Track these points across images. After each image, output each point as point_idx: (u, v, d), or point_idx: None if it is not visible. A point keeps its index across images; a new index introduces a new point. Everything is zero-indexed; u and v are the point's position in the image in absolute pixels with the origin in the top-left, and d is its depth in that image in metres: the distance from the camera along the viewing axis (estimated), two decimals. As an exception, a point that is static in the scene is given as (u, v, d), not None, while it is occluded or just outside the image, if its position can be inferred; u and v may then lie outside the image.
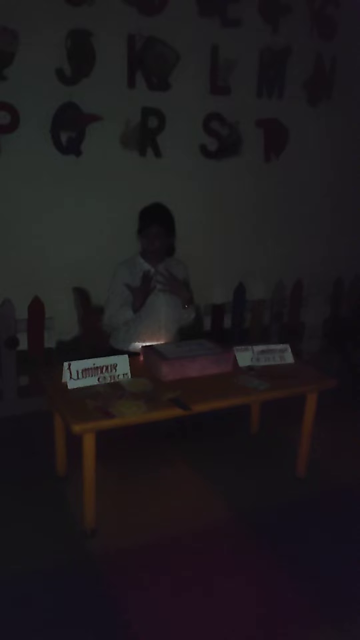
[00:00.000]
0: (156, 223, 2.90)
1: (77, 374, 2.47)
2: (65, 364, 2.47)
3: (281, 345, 2.91)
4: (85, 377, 2.49)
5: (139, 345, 2.91)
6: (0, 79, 2.98)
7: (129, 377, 2.56)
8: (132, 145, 3.38)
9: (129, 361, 2.59)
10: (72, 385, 2.45)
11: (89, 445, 2.26)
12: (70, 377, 2.46)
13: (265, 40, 3.58)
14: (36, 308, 3.38)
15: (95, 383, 2.50)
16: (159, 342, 2.95)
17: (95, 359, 2.53)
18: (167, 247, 2.99)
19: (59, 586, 2.18)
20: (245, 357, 2.81)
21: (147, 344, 2.88)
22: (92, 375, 2.50)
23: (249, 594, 2.18)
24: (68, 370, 2.46)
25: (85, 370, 2.49)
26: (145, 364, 2.76)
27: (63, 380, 2.47)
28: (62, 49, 3.07)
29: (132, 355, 2.72)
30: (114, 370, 2.55)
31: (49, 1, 2.98)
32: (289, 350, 2.90)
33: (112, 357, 2.57)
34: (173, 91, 3.39)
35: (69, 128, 3.19)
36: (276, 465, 3.02)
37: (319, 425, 2.85)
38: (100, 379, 2.51)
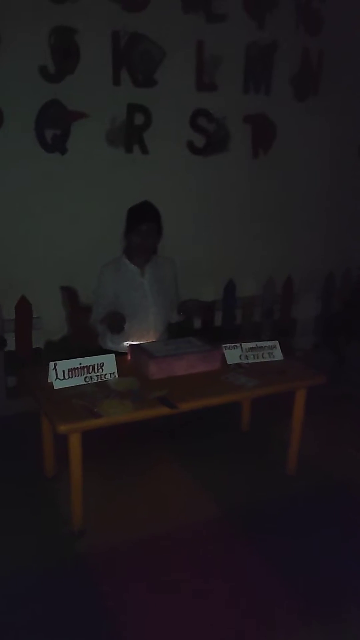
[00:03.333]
0: (148, 220, 2.87)
1: (63, 374, 2.44)
2: (51, 364, 2.44)
3: (270, 342, 2.89)
4: (72, 377, 2.46)
5: (127, 345, 2.89)
6: (-17, 77, 2.95)
7: (116, 376, 2.53)
8: (118, 142, 3.36)
9: (117, 360, 2.56)
10: (58, 385, 2.43)
11: (75, 445, 2.24)
12: (57, 377, 2.43)
13: (251, 36, 3.56)
14: (23, 308, 3.35)
15: (82, 383, 2.47)
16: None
17: (82, 358, 2.50)
18: (155, 246, 2.97)
19: (47, 587, 2.16)
20: (234, 354, 2.79)
21: (135, 342, 2.87)
22: (78, 375, 2.48)
23: (239, 592, 2.16)
24: (54, 371, 2.43)
25: (71, 370, 2.46)
26: (132, 362, 2.74)
27: (49, 380, 2.45)
28: (46, 46, 3.04)
29: (121, 355, 2.70)
30: (101, 370, 2.52)
31: (32, -2, 2.95)
32: (278, 346, 2.88)
33: (99, 356, 2.54)
34: (159, 87, 3.37)
35: (54, 126, 3.16)
36: (267, 462, 3.01)
37: (310, 421, 2.84)
38: (86, 379, 2.49)
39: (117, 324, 2.77)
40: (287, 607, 2.09)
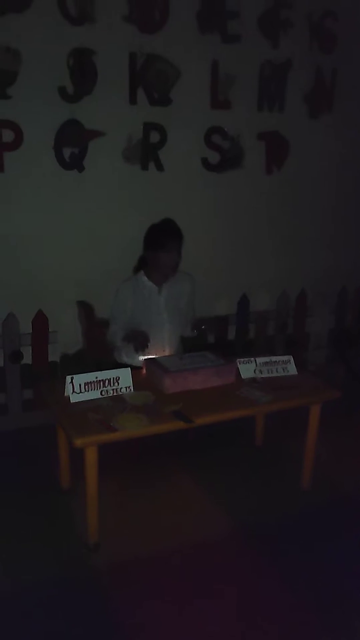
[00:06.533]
0: (176, 237, 2.90)
1: (79, 388, 2.48)
2: (68, 378, 2.48)
3: (284, 356, 2.91)
4: (88, 391, 2.50)
5: (142, 359, 2.92)
6: (4, 98, 3.03)
7: (132, 390, 2.57)
8: (134, 159, 3.42)
9: (132, 374, 2.60)
10: (74, 399, 2.46)
11: (91, 458, 2.27)
12: (73, 391, 2.47)
13: (266, 55, 3.62)
14: (40, 322, 3.40)
15: (98, 396, 2.50)
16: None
17: (98, 372, 2.54)
18: (178, 264, 2.99)
19: (62, 600, 2.17)
20: (248, 369, 2.81)
21: (150, 357, 2.90)
22: (94, 389, 2.51)
23: (253, 607, 2.16)
24: (70, 384, 2.47)
25: (87, 383, 2.50)
26: (147, 376, 2.77)
27: (66, 394, 2.49)
28: (65, 67, 3.12)
29: (136, 369, 2.73)
30: (117, 384, 2.56)
31: (51, 21, 3.03)
32: (292, 361, 2.89)
33: (115, 370, 2.58)
34: (174, 106, 3.43)
35: (72, 144, 3.23)
36: (281, 477, 3.01)
37: (324, 436, 2.84)
38: (102, 393, 2.52)
39: (142, 344, 2.82)
40: (299, 621, 2.09)
